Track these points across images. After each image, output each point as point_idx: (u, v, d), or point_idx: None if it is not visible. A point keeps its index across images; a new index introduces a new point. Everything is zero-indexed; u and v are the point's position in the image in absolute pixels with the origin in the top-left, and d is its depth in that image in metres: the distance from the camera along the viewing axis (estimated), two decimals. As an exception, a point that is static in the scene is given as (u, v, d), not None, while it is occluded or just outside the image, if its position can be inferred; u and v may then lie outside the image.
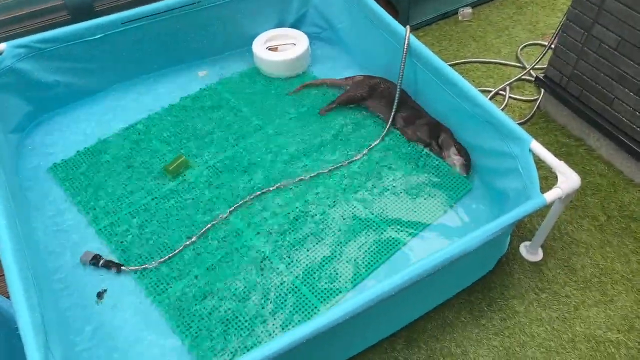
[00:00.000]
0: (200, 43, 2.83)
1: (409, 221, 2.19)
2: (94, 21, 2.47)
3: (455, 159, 2.34)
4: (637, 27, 2.16)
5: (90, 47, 2.53)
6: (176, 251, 2.09)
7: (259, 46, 2.84)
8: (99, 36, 2.51)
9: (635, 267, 2.18)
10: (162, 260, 2.07)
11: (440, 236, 2.16)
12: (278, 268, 2.05)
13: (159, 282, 2.02)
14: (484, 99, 2.16)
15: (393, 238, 2.14)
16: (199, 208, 2.25)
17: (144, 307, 1.96)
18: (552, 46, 2.68)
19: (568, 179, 1.87)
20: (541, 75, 2.75)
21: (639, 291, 2.10)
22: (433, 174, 2.32)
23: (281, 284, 2.01)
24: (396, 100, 2.49)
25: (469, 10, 3.44)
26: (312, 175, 2.35)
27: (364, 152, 2.44)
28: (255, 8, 2.86)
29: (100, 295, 1.99)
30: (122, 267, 2.05)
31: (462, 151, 2.34)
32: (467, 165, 2.33)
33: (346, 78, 2.74)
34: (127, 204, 2.26)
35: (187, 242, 2.12)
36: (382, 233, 2.16)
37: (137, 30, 2.58)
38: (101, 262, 2.04)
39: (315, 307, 1.94)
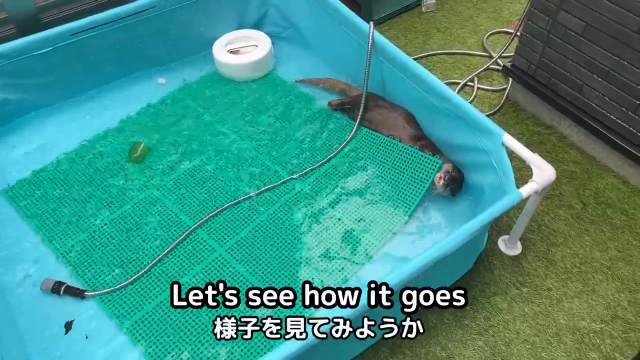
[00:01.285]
0: (157, 50, 2.71)
1: (384, 222, 2.13)
2: (42, 34, 2.33)
3: (442, 172, 2.15)
4: (600, 11, 2.13)
5: (40, 61, 2.39)
6: (142, 272, 1.99)
7: (220, 49, 2.73)
8: (48, 49, 2.37)
9: (614, 254, 2.16)
10: (127, 282, 1.96)
11: (418, 236, 2.11)
12: (250, 282, 1.97)
13: (126, 305, 1.91)
14: (453, 94, 2.11)
15: (369, 241, 2.08)
16: (164, 223, 2.14)
17: (111, 333, 1.85)
18: (518, 33, 2.65)
19: (543, 172, 1.83)
20: (508, 64, 2.72)
21: (619, 279, 2.09)
22: (405, 172, 2.25)
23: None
24: (363, 102, 2.42)
25: (432, 0, 3.39)
26: (282, 181, 2.27)
27: (332, 155, 2.37)
28: (213, 11, 2.75)
29: (68, 326, 1.88)
30: (86, 293, 1.93)
31: (454, 173, 2.15)
32: (449, 186, 2.13)
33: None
34: (88, 224, 2.14)
35: (154, 261, 2.02)
36: (357, 237, 2.09)
37: (89, 40, 2.45)
38: (63, 289, 1.93)
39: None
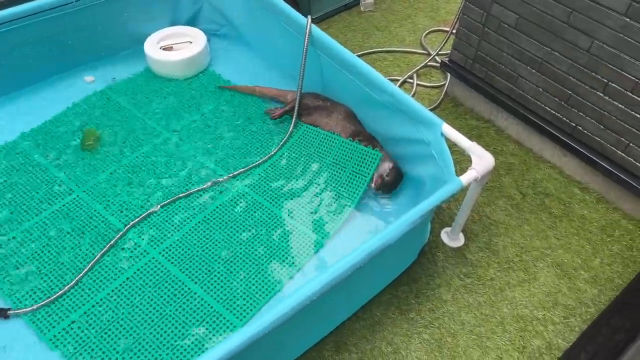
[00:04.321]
0: (84, 46, 2.57)
1: (325, 219, 2.07)
2: (-49, 27, 2.17)
3: (376, 176, 2.12)
4: (531, 3, 2.17)
5: (-46, 58, 2.22)
6: (71, 284, 1.83)
7: (152, 46, 2.62)
8: (-40, 44, 2.21)
9: (553, 241, 2.19)
10: (56, 295, 1.80)
11: (359, 230, 2.06)
12: (187, 287, 1.86)
13: (55, 320, 1.76)
14: (393, 86, 2.08)
15: (310, 238, 2.01)
16: (93, 229, 2.00)
17: (41, 352, 1.69)
18: (454, 31, 2.67)
19: (482, 160, 1.82)
20: (446, 60, 2.74)
21: (559, 266, 2.11)
22: (346, 166, 2.20)
23: (192, 303, 1.82)
24: (297, 97, 2.36)
25: (370, 0, 3.39)
26: (219, 180, 2.18)
27: (272, 152, 2.30)
28: (144, 6, 2.64)
29: None
30: (10, 312, 1.76)
31: (387, 183, 2.11)
32: (384, 183, 2.10)
33: (280, 90, 2.54)
34: (10, 231, 1.97)
35: (85, 270, 1.87)
36: (298, 234, 2.02)
37: (8, 35, 2.28)
38: None
39: (233, 325, 1.77)
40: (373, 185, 2.11)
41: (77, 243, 1.96)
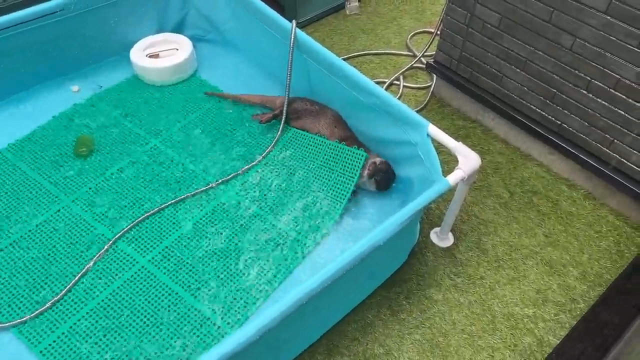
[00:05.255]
0: (71, 54, 2.55)
1: (314, 222, 2.07)
2: None
3: (369, 163, 2.13)
4: (513, 3, 2.19)
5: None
6: (61, 294, 1.82)
7: (138, 53, 2.61)
8: (-55, 55, 2.19)
9: (542, 239, 2.20)
10: (45, 307, 1.79)
11: (347, 232, 2.06)
12: (178, 294, 1.85)
13: (44, 332, 1.74)
14: (378, 89, 2.09)
15: (300, 242, 2.01)
16: (81, 239, 1.99)
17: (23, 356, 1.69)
18: (439, 32, 2.69)
19: (468, 159, 1.83)
20: (431, 61, 2.76)
21: (548, 263, 2.12)
22: (334, 169, 2.21)
23: (183, 310, 1.81)
24: (285, 102, 2.36)
25: (355, 3, 3.41)
26: (208, 187, 2.18)
27: (260, 157, 2.30)
28: (130, 14, 2.63)
29: None
30: None
31: (380, 169, 2.11)
32: (374, 177, 2.10)
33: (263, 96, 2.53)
34: (-3, 243, 1.97)
35: (74, 281, 1.86)
36: (287, 238, 2.02)
37: (-8, 45, 2.28)
38: None
39: (224, 331, 1.76)
40: (366, 173, 2.09)
41: (66, 253, 1.94)
